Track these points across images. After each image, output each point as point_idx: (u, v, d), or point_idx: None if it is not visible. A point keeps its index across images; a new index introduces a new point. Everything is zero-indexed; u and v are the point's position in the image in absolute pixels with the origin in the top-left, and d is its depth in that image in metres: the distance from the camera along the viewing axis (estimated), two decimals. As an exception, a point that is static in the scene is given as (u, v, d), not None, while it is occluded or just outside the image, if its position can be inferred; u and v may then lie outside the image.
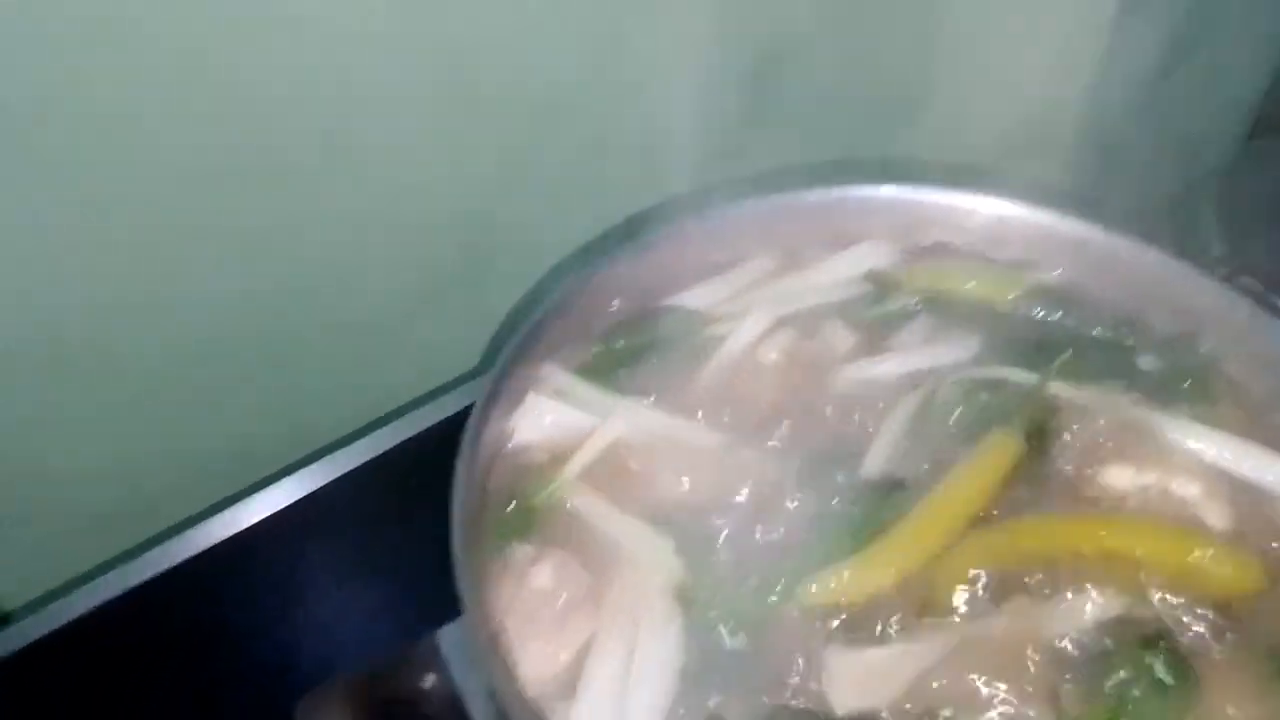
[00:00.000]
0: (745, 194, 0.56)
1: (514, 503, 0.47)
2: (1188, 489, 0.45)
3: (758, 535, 0.44)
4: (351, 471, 0.67)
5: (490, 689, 0.42)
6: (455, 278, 0.71)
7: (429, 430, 0.68)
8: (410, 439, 0.68)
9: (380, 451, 0.68)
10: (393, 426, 0.70)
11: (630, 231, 0.55)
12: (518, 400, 0.50)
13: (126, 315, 0.62)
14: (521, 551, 0.45)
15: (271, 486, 0.67)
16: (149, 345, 0.64)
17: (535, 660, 0.42)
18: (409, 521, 0.61)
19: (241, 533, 0.64)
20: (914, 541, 0.43)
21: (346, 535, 0.65)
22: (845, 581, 0.42)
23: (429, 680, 0.42)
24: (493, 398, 0.47)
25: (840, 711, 0.39)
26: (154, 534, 0.67)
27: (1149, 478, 0.45)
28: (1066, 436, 0.47)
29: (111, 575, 0.63)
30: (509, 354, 0.49)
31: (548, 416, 0.49)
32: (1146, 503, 0.45)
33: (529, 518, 0.46)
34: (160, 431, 0.68)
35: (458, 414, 0.66)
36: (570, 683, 0.41)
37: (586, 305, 0.53)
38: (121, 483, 0.69)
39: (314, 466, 0.68)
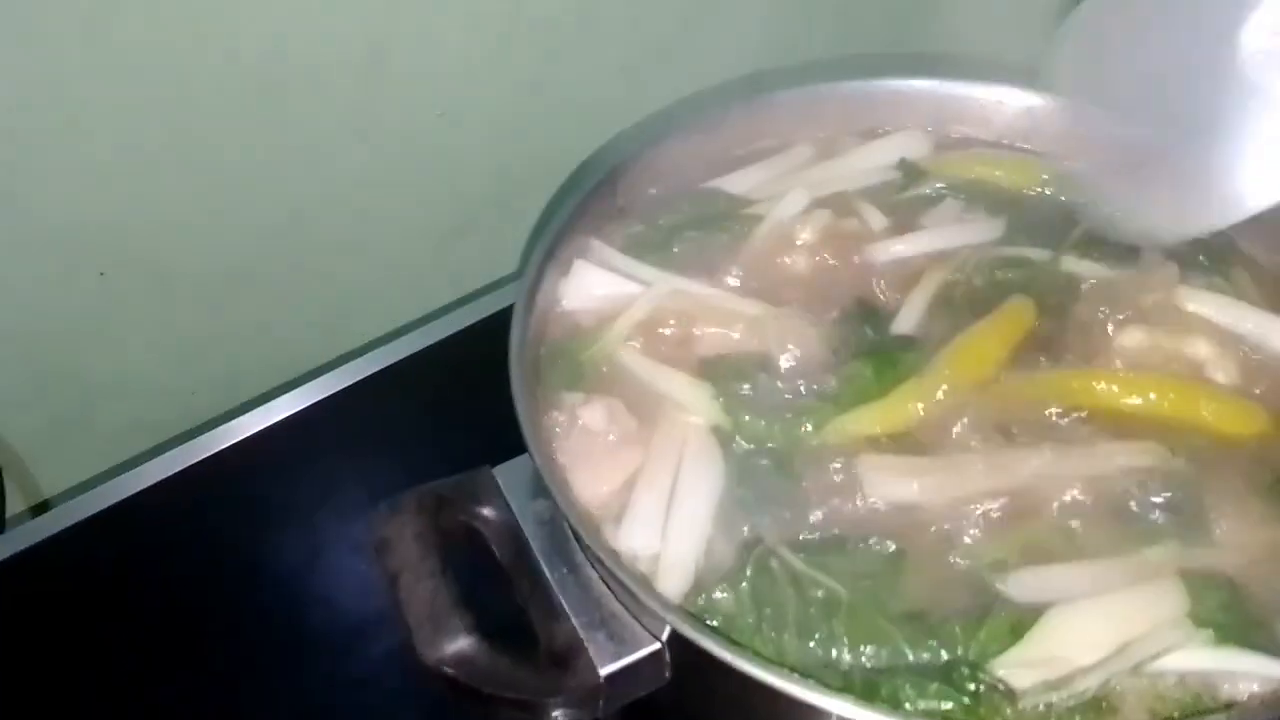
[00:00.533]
0: (783, 84, 0.58)
1: (564, 358, 0.50)
2: (1198, 349, 0.47)
3: (791, 383, 0.48)
4: (400, 362, 0.71)
5: (543, 517, 0.45)
6: (488, 198, 0.74)
7: (471, 327, 0.72)
8: (456, 334, 0.72)
9: (428, 345, 0.72)
10: (441, 321, 0.73)
11: (672, 117, 0.58)
12: (565, 268, 0.53)
13: (179, 233, 0.66)
14: (572, 398, 0.48)
15: (329, 374, 0.70)
16: (200, 261, 0.68)
17: (586, 488, 0.45)
18: (455, 406, 0.65)
19: (298, 413, 0.68)
20: (933, 385, 0.46)
21: (398, 420, 0.68)
22: (870, 418, 0.45)
23: (488, 510, 0.46)
24: (544, 263, 0.51)
25: (875, 499, 0.43)
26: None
27: (1161, 340, 0.48)
28: (1083, 306, 0.50)
29: (179, 450, 0.67)
30: (558, 226, 0.52)
31: (594, 283, 0.52)
32: (1158, 364, 0.48)
33: (578, 371, 0.50)
34: (207, 342, 0.72)
35: (497, 312, 0.70)
36: (617, 509, 0.45)
37: (629, 186, 0.56)
38: (169, 391, 0.73)
39: (359, 360, 0.71)
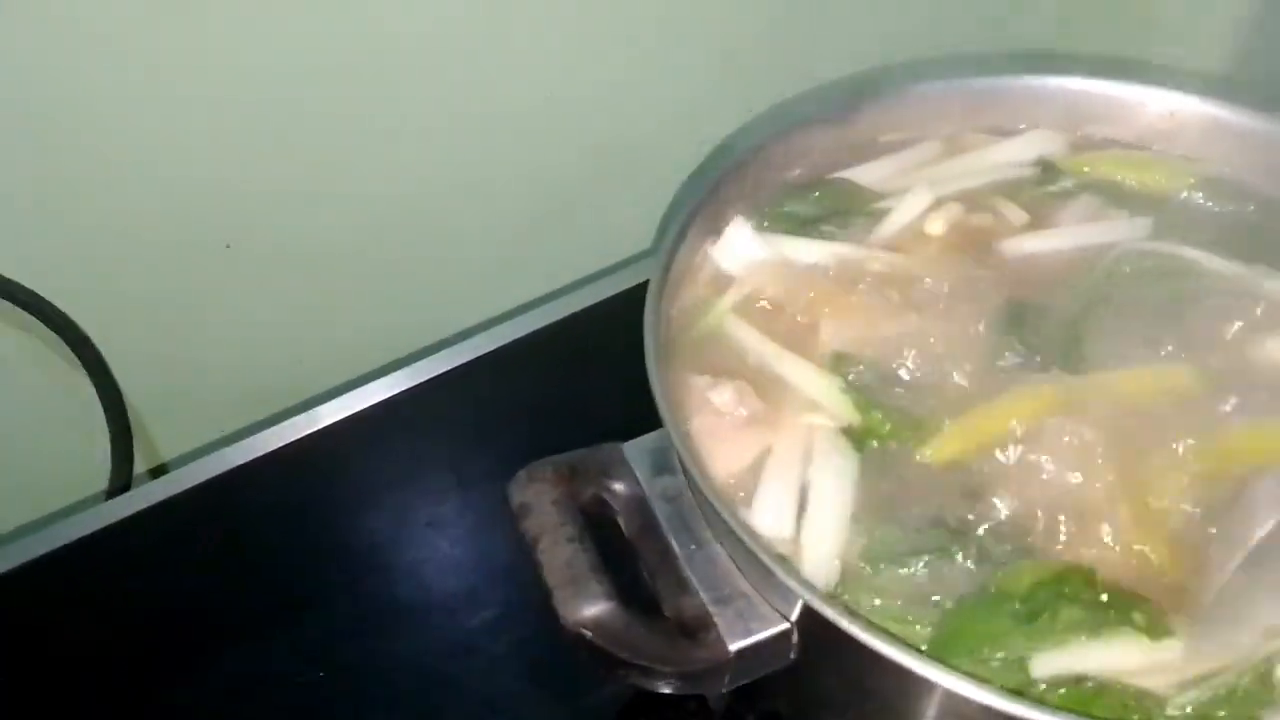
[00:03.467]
0: (916, 77, 0.58)
1: (695, 334, 0.51)
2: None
3: (919, 378, 0.47)
4: (505, 346, 0.71)
5: (669, 493, 0.46)
6: (590, 184, 0.74)
7: (606, 301, 0.72)
8: (588, 308, 0.72)
9: (533, 330, 0.72)
10: (542, 310, 0.74)
11: (805, 107, 0.58)
12: (697, 247, 0.53)
13: (299, 210, 0.68)
14: (702, 380, 0.49)
15: (454, 346, 0.71)
16: (317, 237, 0.70)
17: (716, 464, 0.45)
18: (559, 392, 0.66)
19: (416, 386, 0.69)
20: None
21: (503, 403, 0.69)
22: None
23: (617, 484, 0.46)
24: (678, 240, 0.51)
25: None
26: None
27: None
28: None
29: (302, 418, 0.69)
30: (692, 207, 0.52)
31: (728, 259, 0.52)
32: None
33: (705, 349, 0.50)
34: (318, 317, 0.74)
35: (633, 288, 0.70)
36: (743, 492, 0.45)
37: (758, 173, 0.56)
38: (278, 362, 0.75)
39: (461, 345, 0.72)
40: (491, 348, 0.71)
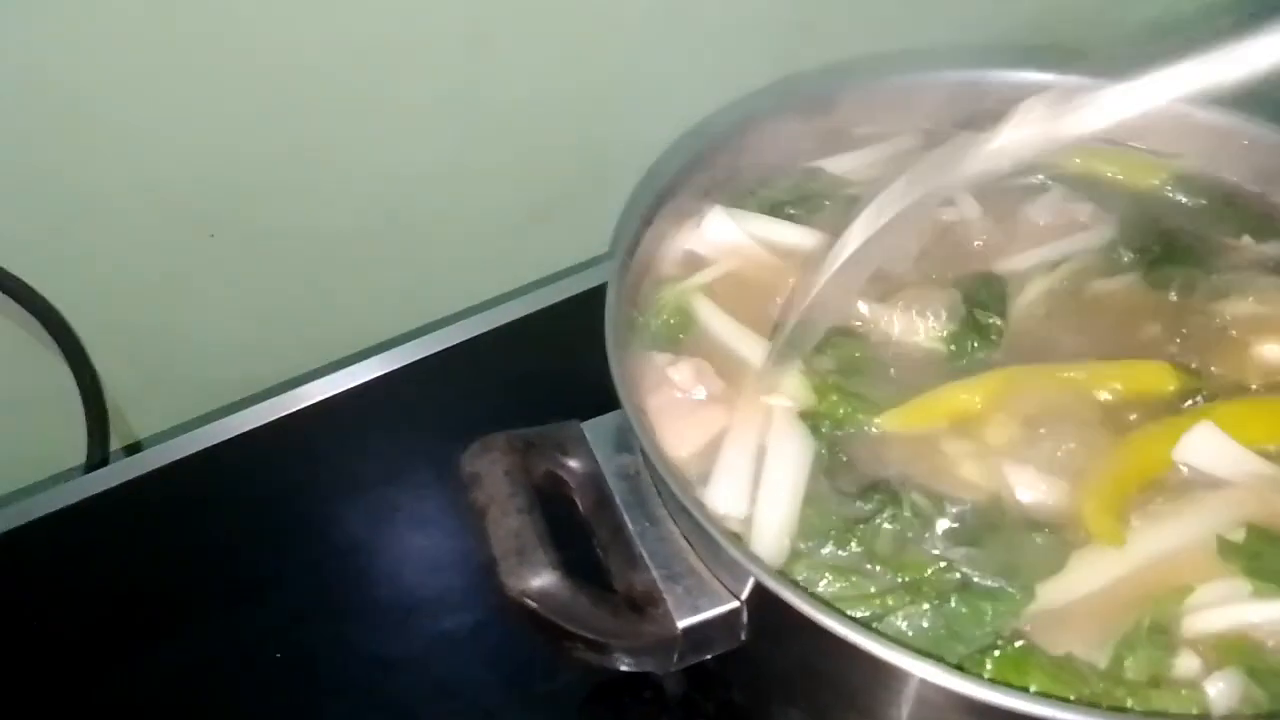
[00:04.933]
0: (888, 69, 0.58)
1: (657, 316, 0.51)
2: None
3: (876, 360, 0.47)
4: (486, 334, 0.72)
5: (627, 471, 0.45)
6: (578, 180, 0.75)
7: (555, 306, 0.72)
8: (540, 310, 0.72)
9: (512, 319, 0.72)
10: (526, 299, 0.74)
11: (771, 96, 0.58)
12: (666, 230, 0.53)
13: (282, 199, 0.69)
14: (662, 358, 0.48)
15: (435, 332, 0.72)
16: (300, 227, 0.70)
17: (670, 447, 0.45)
18: (536, 378, 0.65)
19: (395, 370, 0.69)
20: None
21: (478, 389, 0.68)
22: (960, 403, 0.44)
23: (573, 461, 0.46)
24: (643, 223, 0.51)
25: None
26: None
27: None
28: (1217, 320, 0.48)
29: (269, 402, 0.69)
30: (658, 189, 0.52)
31: (699, 239, 0.53)
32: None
33: (670, 330, 0.50)
34: (300, 306, 0.74)
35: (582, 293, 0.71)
36: (700, 470, 0.45)
37: (726, 161, 0.56)
38: (260, 350, 0.76)
39: (444, 330, 0.72)
40: (471, 335, 0.71)
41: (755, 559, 0.39)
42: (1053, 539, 0.41)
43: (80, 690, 0.54)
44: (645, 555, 0.42)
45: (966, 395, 0.45)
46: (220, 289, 0.72)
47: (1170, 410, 0.45)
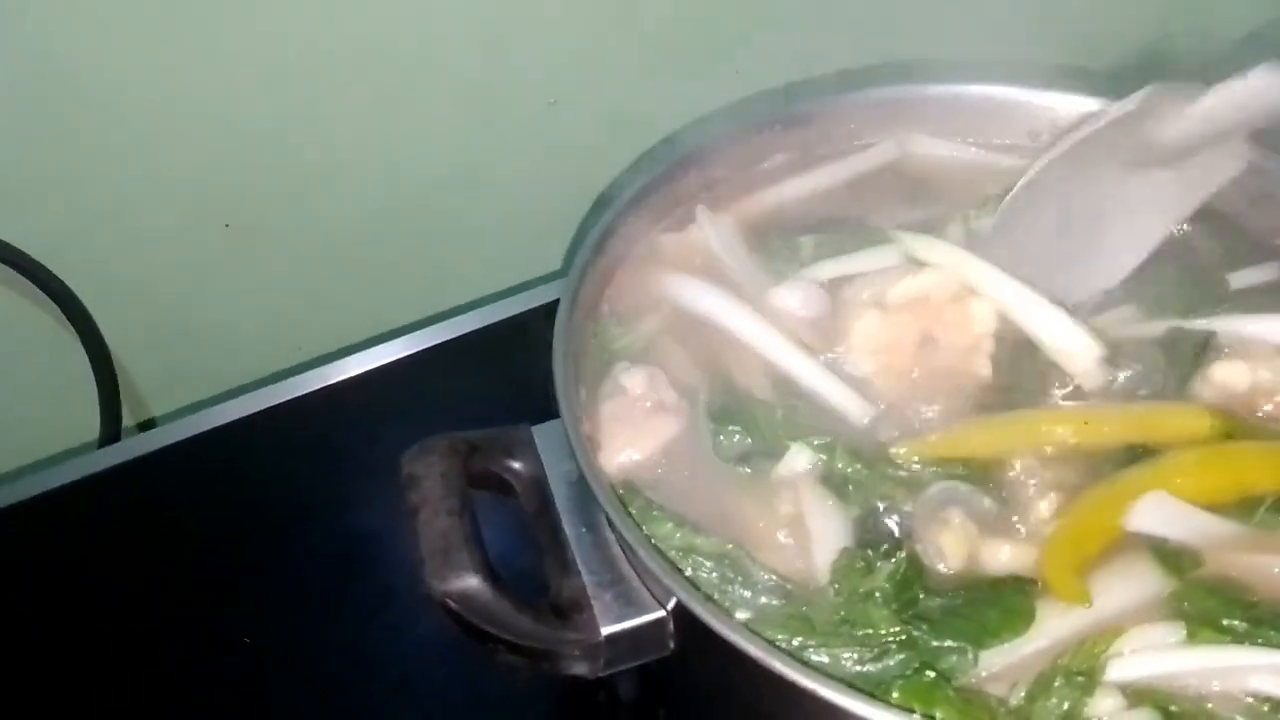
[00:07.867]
0: (865, 83, 0.58)
1: (613, 330, 0.51)
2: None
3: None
4: (476, 331, 0.73)
5: (571, 477, 0.46)
6: (592, 186, 0.75)
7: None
8: (537, 308, 0.73)
9: (507, 316, 0.74)
10: (521, 296, 0.76)
11: (740, 114, 0.58)
12: (637, 237, 0.54)
13: (297, 197, 0.71)
14: (619, 366, 0.49)
15: (405, 336, 0.74)
16: (312, 225, 0.72)
17: (620, 452, 0.46)
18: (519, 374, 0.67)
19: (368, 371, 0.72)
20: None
21: (470, 381, 0.70)
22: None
23: (519, 464, 0.47)
24: (602, 239, 0.52)
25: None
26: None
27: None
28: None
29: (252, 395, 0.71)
30: (617, 207, 0.53)
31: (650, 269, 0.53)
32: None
33: (626, 345, 0.51)
34: (310, 294, 0.76)
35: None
36: (651, 473, 0.45)
37: (697, 174, 0.57)
38: (273, 343, 0.78)
39: (438, 326, 0.74)
40: (469, 330, 0.73)
41: (672, 571, 0.39)
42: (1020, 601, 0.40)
43: (95, 654, 0.57)
44: (578, 561, 0.43)
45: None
46: (234, 282, 0.74)
47: (1117, 465, 0.44)
